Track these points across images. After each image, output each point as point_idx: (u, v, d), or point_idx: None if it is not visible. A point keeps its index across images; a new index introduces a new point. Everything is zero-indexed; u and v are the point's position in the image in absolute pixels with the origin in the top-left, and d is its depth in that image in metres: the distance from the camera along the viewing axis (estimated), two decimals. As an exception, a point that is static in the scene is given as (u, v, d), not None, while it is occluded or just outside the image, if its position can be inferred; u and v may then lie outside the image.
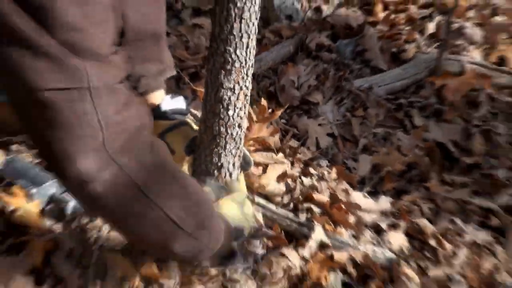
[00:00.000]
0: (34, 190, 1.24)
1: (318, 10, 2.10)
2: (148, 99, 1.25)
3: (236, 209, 1.09)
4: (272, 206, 1.25)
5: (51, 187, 1.26)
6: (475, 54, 1.86)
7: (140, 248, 1.14)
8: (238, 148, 1.10)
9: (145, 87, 1.23)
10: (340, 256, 1.16)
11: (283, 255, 1.16)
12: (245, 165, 1.19)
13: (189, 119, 1.22)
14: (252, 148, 1.43)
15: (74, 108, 0.72)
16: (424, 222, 1.29)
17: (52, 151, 0.75)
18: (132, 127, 0.80)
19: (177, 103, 1.26)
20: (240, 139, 1.09)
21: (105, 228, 1.18)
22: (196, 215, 0.91)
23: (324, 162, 1.46)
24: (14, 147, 1.36)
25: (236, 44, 0.91)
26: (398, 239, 1.24)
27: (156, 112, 1.24)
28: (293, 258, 1.16)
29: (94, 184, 0.76)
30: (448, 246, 1.23)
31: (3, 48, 0.68)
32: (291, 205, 1.30)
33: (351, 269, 1.16)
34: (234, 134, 1.06)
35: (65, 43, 0.70)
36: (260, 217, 1.23)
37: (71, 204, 1.23)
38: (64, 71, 0.70)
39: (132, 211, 0.85)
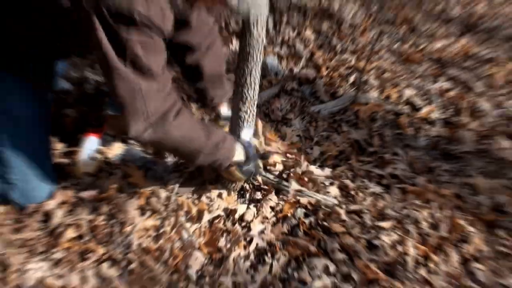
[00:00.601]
0: (140, 164, 1.24)
1: (291, 70, 2.09)
2: (216, 110, 1.29)
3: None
4: (269, 175, 1.22)
5: (150, 162, 1.25)
6: (375, 94, 1.85)
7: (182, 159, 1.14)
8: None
9: (215, 103, 1.28)
10: (303, 200, 1.16)
11: (270, 199, 1.16)
12: (266, 158, 1.21)
13: None
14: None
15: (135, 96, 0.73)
16: (348, 182, 1.28)
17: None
18: (166, 107, 0.79)
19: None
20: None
21: (178, 183, 1.16)
22: (212, 141, 0.90)
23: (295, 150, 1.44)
24: (130, 141, 1.35)
25: (248, 88, 0.92)
26: (334, 191, 1.24)
27: (220, 115, 1.31)
28: (275, 200, 1.16)
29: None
30: (360, 194, 1.23)
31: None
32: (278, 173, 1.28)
33: (309, 207, 1.16)
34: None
35: (133, 64, 0.70)
36: (261, 180, 1.21)
37: (159, 170, 1.23)
38: (127, 82, 0.71)
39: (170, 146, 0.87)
